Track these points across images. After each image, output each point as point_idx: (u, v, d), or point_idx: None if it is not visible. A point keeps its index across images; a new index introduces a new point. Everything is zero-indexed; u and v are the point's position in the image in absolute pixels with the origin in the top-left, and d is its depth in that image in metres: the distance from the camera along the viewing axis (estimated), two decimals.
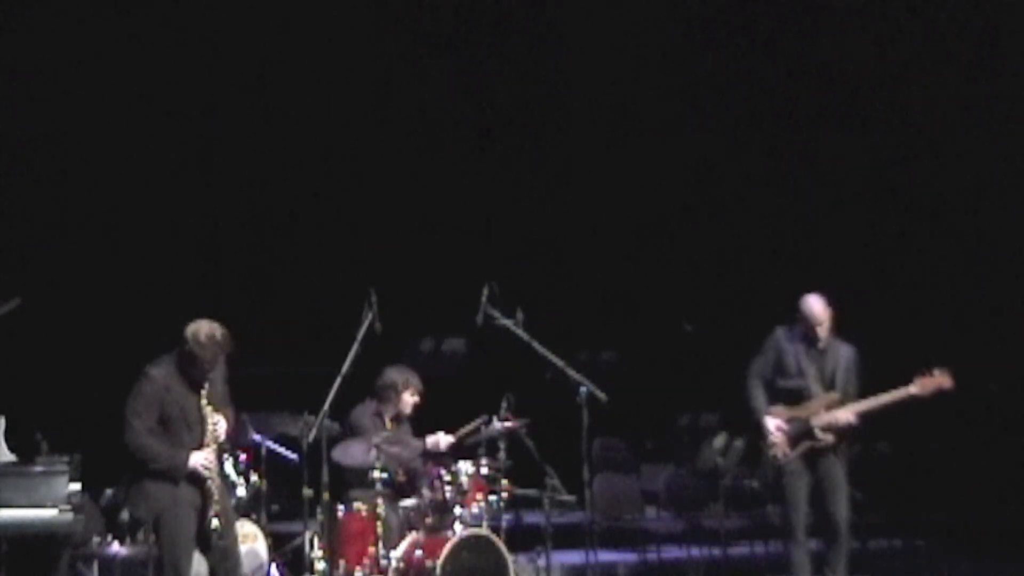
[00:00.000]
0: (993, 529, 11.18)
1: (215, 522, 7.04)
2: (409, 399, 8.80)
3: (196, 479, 7.06)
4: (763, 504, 10.38)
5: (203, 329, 7.09)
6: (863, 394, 8.36)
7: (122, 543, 8.32)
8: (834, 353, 8.35)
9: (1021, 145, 12.55)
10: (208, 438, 7.11)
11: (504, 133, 13.17)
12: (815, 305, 8.34)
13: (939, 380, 8.24)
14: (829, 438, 8.24)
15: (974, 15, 12.72)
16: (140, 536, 8.29)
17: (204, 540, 7.12)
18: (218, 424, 7.16)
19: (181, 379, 7.12)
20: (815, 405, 8.29)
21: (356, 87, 12.60)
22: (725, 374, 12.32)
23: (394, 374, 8.77)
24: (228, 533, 7.17)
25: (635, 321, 13.12)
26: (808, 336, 8.34)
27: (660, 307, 13.20)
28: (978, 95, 12.81)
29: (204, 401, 7.12)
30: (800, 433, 8.28)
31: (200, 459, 7.07)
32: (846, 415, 8.22)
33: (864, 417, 8.28)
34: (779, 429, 8.30)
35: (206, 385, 7.11)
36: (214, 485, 7.07)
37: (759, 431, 8.38)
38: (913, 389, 8.24)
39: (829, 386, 8.31)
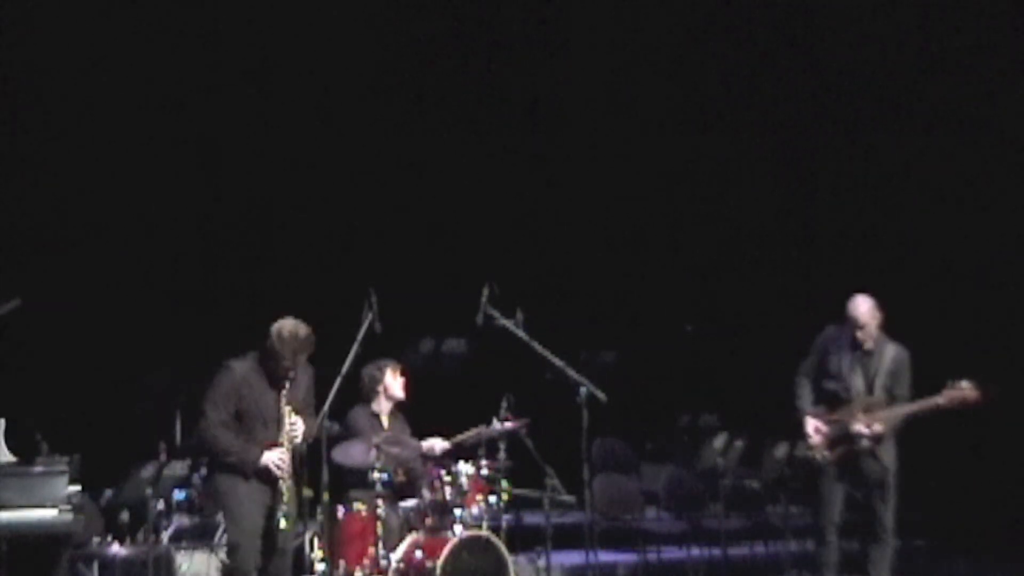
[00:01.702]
0: (993, 529, 11.18)
1: (283, 523, 7.05)
2: (394, 381, 8.77)
3: (268, 477, 7.07)
4: (763, 505, 10.39)
5: (287, 326, 7.12)
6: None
7: (122, 543, 8.33)
8: (880, 355, 8.27)
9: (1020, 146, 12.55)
10: (283, 437, 7.12)
11: (504, 133, 13.17)
12: (859, 307, 8.26)
13: (965, 393, 8.12)
14: (865, 442, 8.20)
15: (978, 14, 12.71)
16: (140, 536, 8.32)
17: (269, 540, 7.13)
18: (296, 425, 7.18)
19: (262, 375, 7.15)
20: (854, 408, 8.24)
21: (356, 87, 12.59)
22: (725, 375, 12.38)
23: (368, 368, 8.74)
24: (289, 537, 7.20)
25: (635, 321, 13.12)
26: (855, 338, 8.29)
27: (660, 307, 13.20)
28: (994, 91, 12.80)
29: (283, 400, 7.13)
30: (839, 436, 8.23)
31: (274, 457, 7.08)
32: (870, 425, 8.15)
33: (889, 425, 8.21)
34: (817, 430, 8.24)
35: (287, 384, 7.12)
36: (285, 486, 7.08)
37: (802, 431, 8.32)
38: (940, 400, 8.16)
39: (870, 389, 8.25)
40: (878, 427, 8.14)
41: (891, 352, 8.29)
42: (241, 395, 7.13)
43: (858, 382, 8.26)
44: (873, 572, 8.23)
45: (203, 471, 8.43)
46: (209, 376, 7.22)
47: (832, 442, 8.23)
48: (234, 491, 7.10)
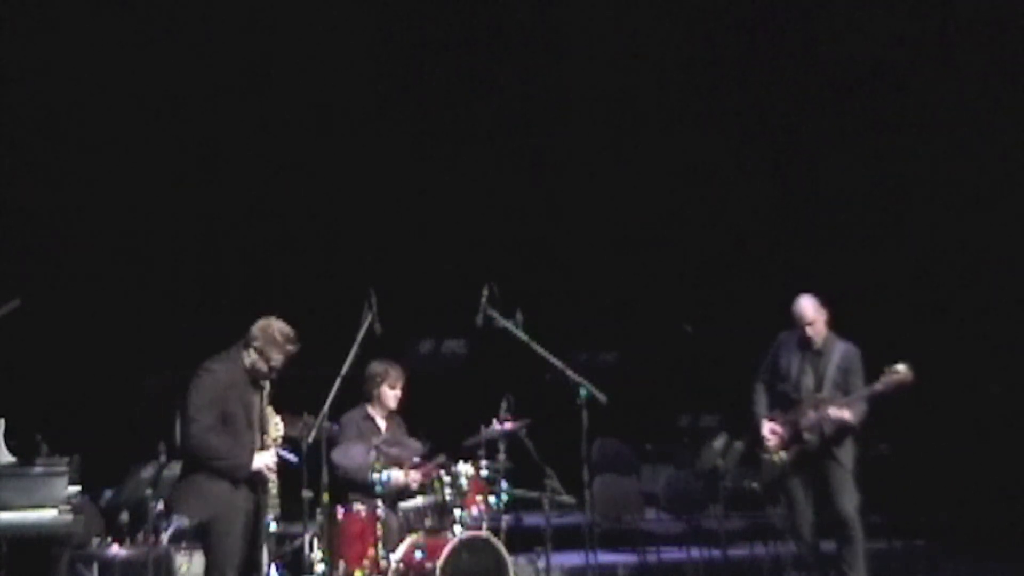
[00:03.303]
0: (993, 529, 11.19)
1: (273, 526, 7.02)
2: (389, 392, 8.75)
3: (255, 481, 7.03)
4: (763, 505, 10.39)
5: (276, 326, 7.11)
6: None
7: (121, 544, 8.32)
8: (829, 354, 8.35)
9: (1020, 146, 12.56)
10: (269, 439, 7.10)
11: (504, 133, 13.16)
12: (802, 306, 8.39)
13: (900, 377, 8.17)
14: (813, 439, 8.26)
15: (977, 16, 12.71)
16: (140, 537, 8.30)
17: (250, 548, 7.09)
18: (278, 425, 7.17)
19: (244, 375, 7.09)
20: (803, 407, 8.31)
21: (356, 86, 12.58)
22: (725, 375, 12.35)
23: (375, 366, 8.73)
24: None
25: (635, 321, 13.11)
26: (803, 338, 8.36)
27: (660, 307, 13.19)
28: (981, 94, 12.81)
29: (266, 400, 7.10)
30: (791, 436, 8.33)
31: (267, 460, 7.06)
32: (826, 412, 8.19)
33: (856, 415, 8.23)
34: (773, 432, 8.39)
35: (267, 384, 7.09)
36: (275, 488, 7.07)
37: (758, 435, 8.41)
38: (878, 387, 8.22)
39: (820, 387, 8.31)
40: (846, 412, 8.16)
41: (840, 350, 8.37)
42: (226, 397, 7.04)
43: (808, 381, 8.37)
44: (847, 571, 8.25)
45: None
46: (188, 381, 7.17)
47: (787, 443, 8.32)
48: (223, 498, 7.00)
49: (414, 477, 8.51)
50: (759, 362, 8.65)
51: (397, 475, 8.50)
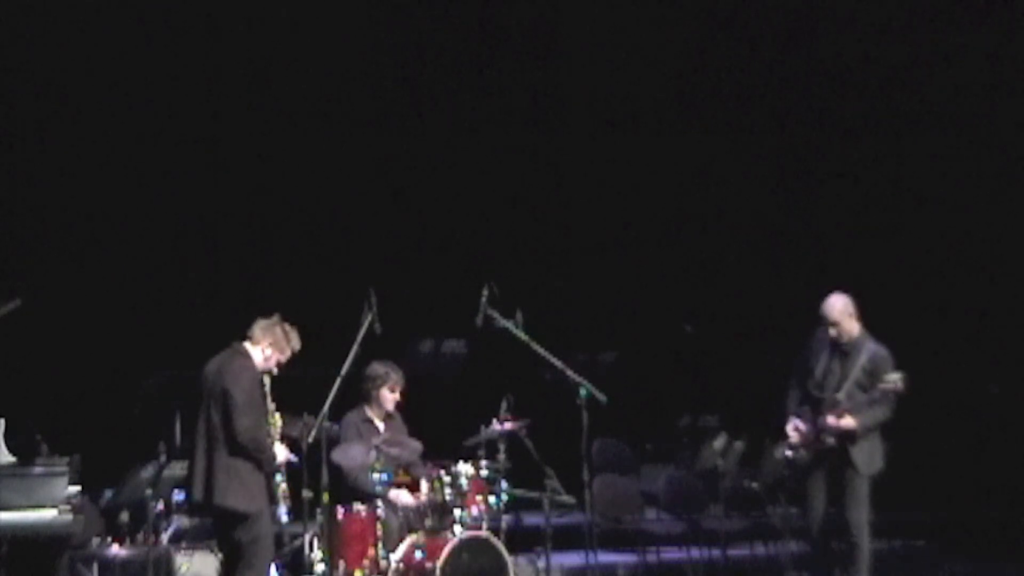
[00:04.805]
0: (993, 529, 11.19)
1: (285, 517, 7.11)
2: (388, 395, 8.72)
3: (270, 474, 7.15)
4: (763, 505, 10.39)
5: (282, 324, 7.22)
6: None
7: (121, 544, 8.33)
8: (856, 355, 8.30)
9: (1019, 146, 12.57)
10: (275, 432, 7.22)
11: (504, 133, 13.16)
12: (827, 305, 8.32)
13: (891, 387, 8.14)
14: (831, 440, 8.24)
15: (975, 16, 12.72)
16: (139, 537, 8.31)
17: None
18: (277, 419, 7.28)
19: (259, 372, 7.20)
20: (825, 407, 8.29)
21: (356, 86, 12.58)
22: (725, 375, 12.36)
23: (376, 367, 8.71)
24: None
25: (635, 321, 13.11)
26: (831, 337, 8.33)
27: (660, 307, 13.19)
28: (983, 92, 12.82)
29: (269, 395, 7.22)
30: (813, 435, 8.30)
31: (287, 453, 7.21)
32: (840, 417, 8.19)
33: (866, 421, 8.22)
34: (796, 429, 8.35)
35: (267, 380, 7.19)
36: (283, 482, 7.17)
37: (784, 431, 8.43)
38: (875, 394, 8.20)
39: (840, 387, 8.28)
40: (848, 422, 8.16)
41: (869, 352, 8.31)
42: (257, 393, 7.17)
43: (832, 381, 8.33)
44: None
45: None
46: (189, 381, 7.21)
47: (809, 441, 8.30)
48: (263, 492, 7.11)
49: (424, 490, 8.52)
50: (797, 357, 8.59)
51: (407, 498, 8.51)
